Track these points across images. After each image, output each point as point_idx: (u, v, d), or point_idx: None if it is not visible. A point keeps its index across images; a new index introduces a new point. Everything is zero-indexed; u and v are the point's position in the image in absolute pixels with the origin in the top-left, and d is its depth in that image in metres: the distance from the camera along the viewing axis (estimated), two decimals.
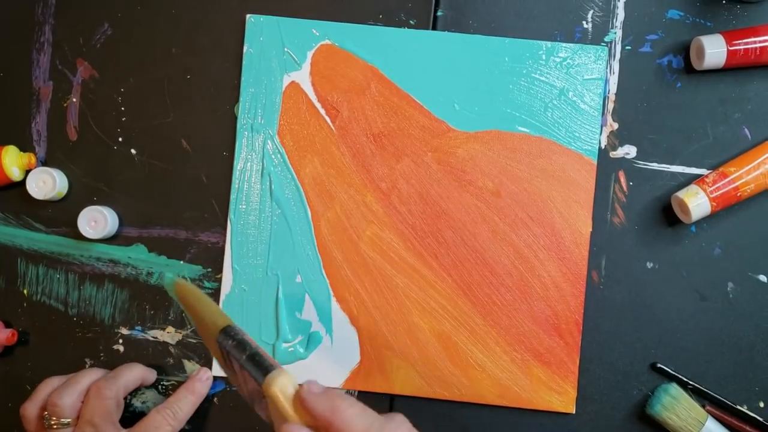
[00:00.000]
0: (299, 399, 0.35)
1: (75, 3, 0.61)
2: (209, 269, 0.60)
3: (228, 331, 0.39)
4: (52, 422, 0.53)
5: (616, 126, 0.60)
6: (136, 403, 0.60)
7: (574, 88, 0.59)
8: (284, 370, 0.37)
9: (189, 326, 0.61)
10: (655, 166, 0.59)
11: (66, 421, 0.53)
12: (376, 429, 0.35)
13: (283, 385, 0.36)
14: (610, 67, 0.60)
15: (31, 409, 0.54)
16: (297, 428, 0.35)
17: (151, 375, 0.59)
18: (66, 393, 0.53)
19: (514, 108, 0.59)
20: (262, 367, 0.37)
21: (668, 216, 0.59)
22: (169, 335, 0.61)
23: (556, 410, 0.58)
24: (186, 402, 0.57)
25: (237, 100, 0.61)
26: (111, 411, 0.53)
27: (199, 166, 0.61)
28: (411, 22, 0.60)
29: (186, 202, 0.61)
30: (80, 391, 0.54)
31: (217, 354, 0.42)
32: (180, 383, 0.60)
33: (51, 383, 0.56)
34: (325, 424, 0.35)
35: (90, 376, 0.56)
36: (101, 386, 0.54)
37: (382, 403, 0.60)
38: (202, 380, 0.58)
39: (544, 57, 0.59)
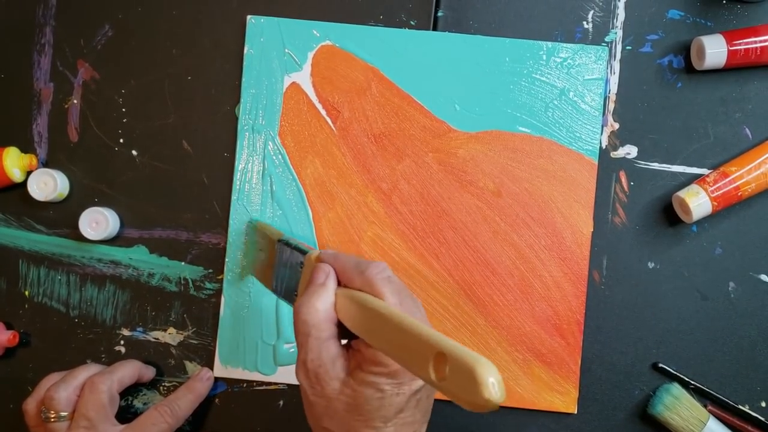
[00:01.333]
0: (318, 257, 0.48)
1: (75, 4, 0.62)
2: (210, 270, 0.61)
3: (283, 238, 0.53)
4: (50, 415, 0.54)
5: (616, 126, 0.60)
6: (138, 404, 0.60)
7: (574, 89, 0.59)
8: (316, 250, 0.50)
9: (190, 327, 0.61)
10: (656, 165, 0.59)
11: (64, 414, 0.54)
12: (363, 265, 0.43)
13: (313, 253, 0.49)
14: (611, 67, 0.60)
15: (31, 403, 0.55)
16: (322, 264, 0.46)
17: (148, 371, 0.59)
18: (62, 387, 0.54)
19: (514, 108, 0.59)
20: (303, 250, 0.51)
21: (669, 216, 0.59)
22: (170, 336, 0.61)
23: (558, 410, 0.58)
24: (185, 400, 0.57)
25: (238, 101, 0.61)
26: (105, 405, 0.54)
27: (200, 167, 0.61)
28: (411, 22, 0.60)
29: (187, 203, 0.61)
30: (76, 385, 0.55)
31: (272, 259, 0.55)
32: (181, 384, 0.60)
33: (51, 378, 0.56)
34: (333, 266, 0.46)
35: (87, 370, 0.56)
36: (96, 380, 0.54)
37: None
38: (202, 380, 0.59)
39: (544, 57, 0.59)
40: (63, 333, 0.61)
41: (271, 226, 0.58)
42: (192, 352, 0.61)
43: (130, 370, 0.57)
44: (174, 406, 0.56)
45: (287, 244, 0.52)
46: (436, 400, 0.59)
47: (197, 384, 0.58)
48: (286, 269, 0.52)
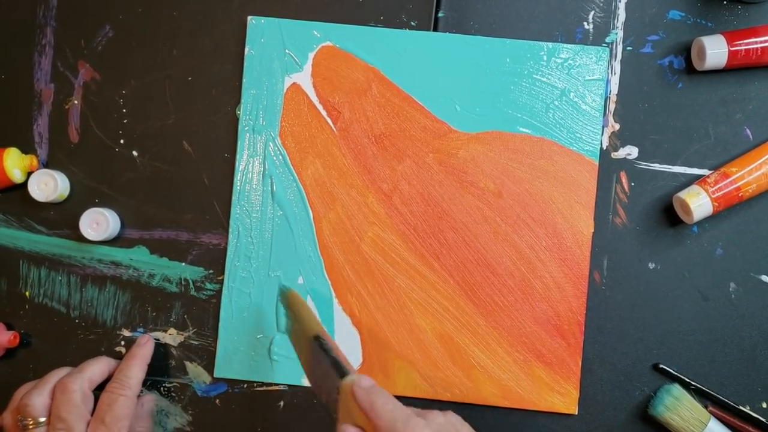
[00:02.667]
0: (354, 392, 0.42)
1: (76, 5, 0.62)
2: (211, 271, 0.61)
3: (319, 337, 0.48)
4: (28, 423, 0.53)
5: (617, 127, 0.60)
6: None
7: (575, 89, 0.59)
8: (356, 374, 0.44)
9: (191, 328, 0.61)
10: (656, 166, 0.59)
11: (41, 420, 0.53)
12: (402, 420, 0.40)
13: (348, 383, 0.43)
14: (612, 67, 0.60)
15: (8, 416, 0.55)
16: (347, 427, 0.42)
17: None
18: (36, 393, 0.54)
19: (515, 109, 0.59)
20: (340, 369, 0.45)
21: (670, 216, 0.59)
22: (170, 337, 0.61)
23: (559, 411, 0.58)
24: (131, 369, 0.56)
25: (238, 102, 0.61)
26: (78, 404, 0.53)
27: (201, 167, 0.61)
28: (412, 23, 0.60)
29: (187, 203, 0.61)
30: (49, 389, 0.54)
31: (307, 355, 0.50)
32: (182, 385, 0.60)
33: (24, 388, 0.56)
34: (368, 415, 0.41)
35: (58, 374, 0.56)
36: (66, 381, 0.54)
37: None
38: (141, 344, 0.58)
39: (545, 58, 0.59)
40: (64, 334, 0.61)
41: (305, 308, 0.55)
42: (192, 353, 0.61)
43: (100, 367, 0.56)
44: (121, 378, 0.55)
45: (321, 347, 0.49)
46: (437, 401, 0.59)
47: (135, 350, 0.58)
48: (322, 378, 0.49)
